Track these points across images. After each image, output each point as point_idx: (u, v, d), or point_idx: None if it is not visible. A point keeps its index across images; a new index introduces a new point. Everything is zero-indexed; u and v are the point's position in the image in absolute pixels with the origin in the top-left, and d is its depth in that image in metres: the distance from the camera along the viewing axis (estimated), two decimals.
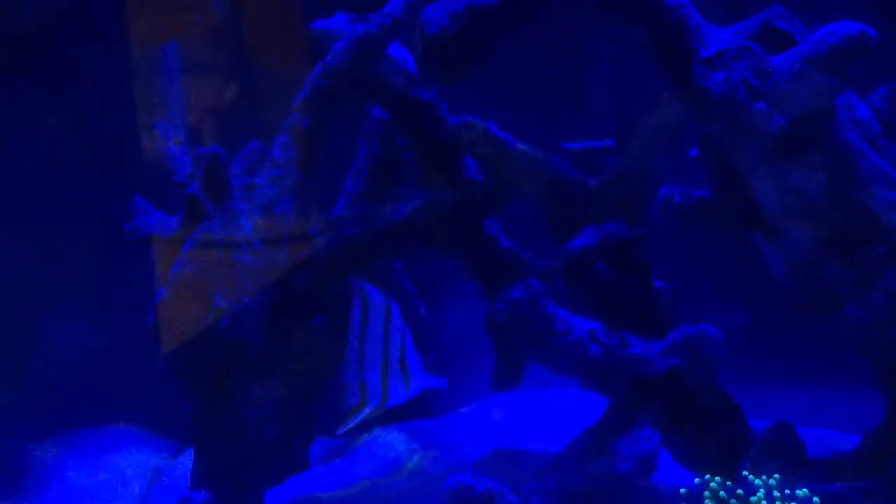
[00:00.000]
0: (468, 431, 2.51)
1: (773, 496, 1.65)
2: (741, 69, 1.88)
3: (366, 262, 2.28)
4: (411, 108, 2.23)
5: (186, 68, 2.75)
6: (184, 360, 2.06)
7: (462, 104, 2.30)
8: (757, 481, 1.69)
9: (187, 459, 2.19)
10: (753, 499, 1.64)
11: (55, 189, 2.79)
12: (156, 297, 2.07)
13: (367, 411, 1.76)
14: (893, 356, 1.93)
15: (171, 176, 2.13)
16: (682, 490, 1.75)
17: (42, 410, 2.78)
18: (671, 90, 2.04)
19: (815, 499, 1.66)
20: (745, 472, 1.75)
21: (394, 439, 2.55)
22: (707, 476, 1.72)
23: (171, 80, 2.73)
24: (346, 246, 2.22)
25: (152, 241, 2.16)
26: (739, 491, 1.68)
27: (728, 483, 1.70)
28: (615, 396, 2.05)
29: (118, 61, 2.68)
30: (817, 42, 1.83)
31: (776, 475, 1.70)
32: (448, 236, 2.24)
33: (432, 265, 2.57)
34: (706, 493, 1.70)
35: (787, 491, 1.67)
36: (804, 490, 1.67)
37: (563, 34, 2.74)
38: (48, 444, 2.77)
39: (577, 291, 2.08)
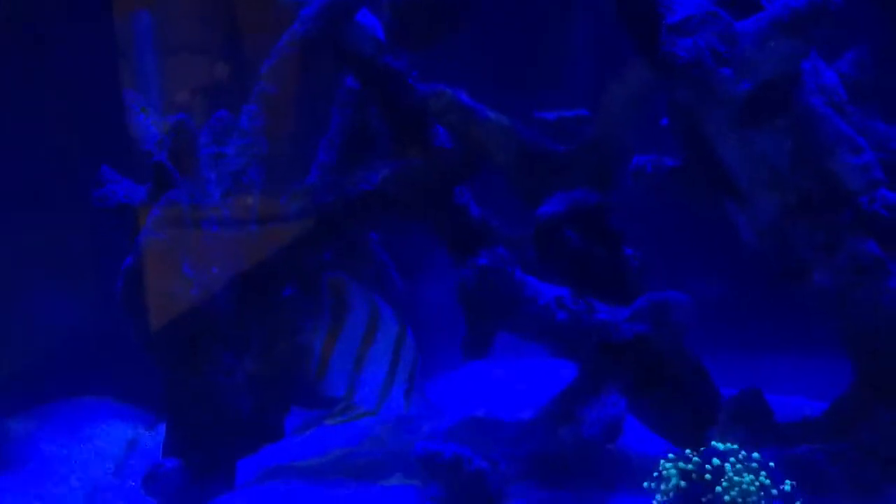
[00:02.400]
0: (441, 400, 2.51)
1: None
2: (707, 35, 1.87)
3: (338, 232, 2.28)
4: (381, 77, 2.21)
5: (169, 45, 2.73)
6: (153, 328, 2.06)
7: (436, 73, 2.29)
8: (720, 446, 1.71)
9: (164, 430, 2.20)
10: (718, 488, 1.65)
11: (28, 162, 2.78)
12: (124, 264, 2.07)
13: (357, 413, 1.88)
14: (859, 321, 1.93)
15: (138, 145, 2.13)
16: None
17: (18, 383, 2.78)
18: (640, 57, 2.03)
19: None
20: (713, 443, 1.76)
21: None
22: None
23: (151, 56, 2.70)
24: (319, 215, 2.22)
25: (123, 210, 2.15)
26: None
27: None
28: (583, 363, 2.06)
29: (99, 37, 2.66)
30: (782, 6, 1.83)
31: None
32: (419, 205, 2.23)
33: (408, 235, 2.56)
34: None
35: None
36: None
37: (537, 1, 2.73)
38: (25, 416, 2.77)
39: (546, 258, 2.08)
